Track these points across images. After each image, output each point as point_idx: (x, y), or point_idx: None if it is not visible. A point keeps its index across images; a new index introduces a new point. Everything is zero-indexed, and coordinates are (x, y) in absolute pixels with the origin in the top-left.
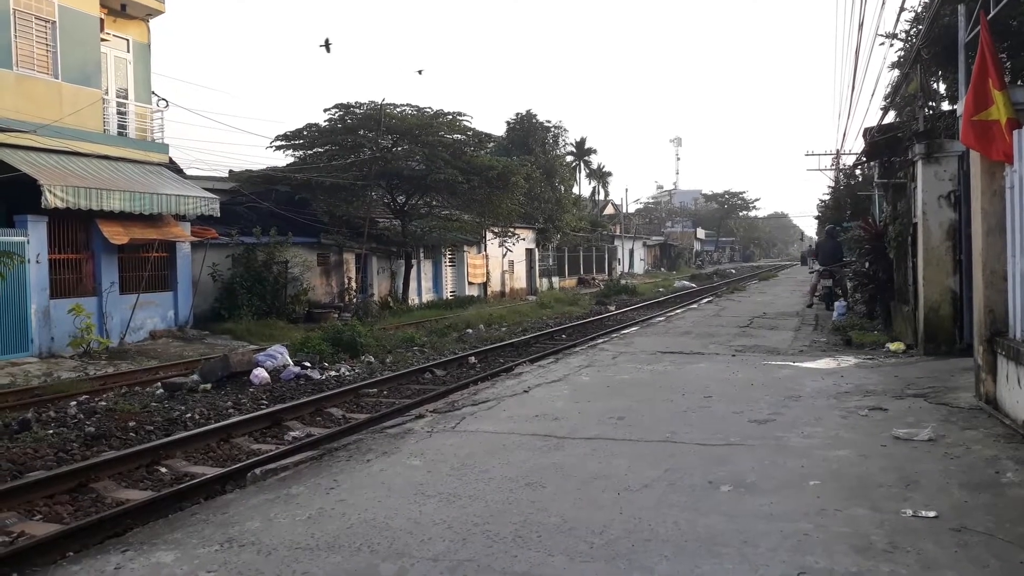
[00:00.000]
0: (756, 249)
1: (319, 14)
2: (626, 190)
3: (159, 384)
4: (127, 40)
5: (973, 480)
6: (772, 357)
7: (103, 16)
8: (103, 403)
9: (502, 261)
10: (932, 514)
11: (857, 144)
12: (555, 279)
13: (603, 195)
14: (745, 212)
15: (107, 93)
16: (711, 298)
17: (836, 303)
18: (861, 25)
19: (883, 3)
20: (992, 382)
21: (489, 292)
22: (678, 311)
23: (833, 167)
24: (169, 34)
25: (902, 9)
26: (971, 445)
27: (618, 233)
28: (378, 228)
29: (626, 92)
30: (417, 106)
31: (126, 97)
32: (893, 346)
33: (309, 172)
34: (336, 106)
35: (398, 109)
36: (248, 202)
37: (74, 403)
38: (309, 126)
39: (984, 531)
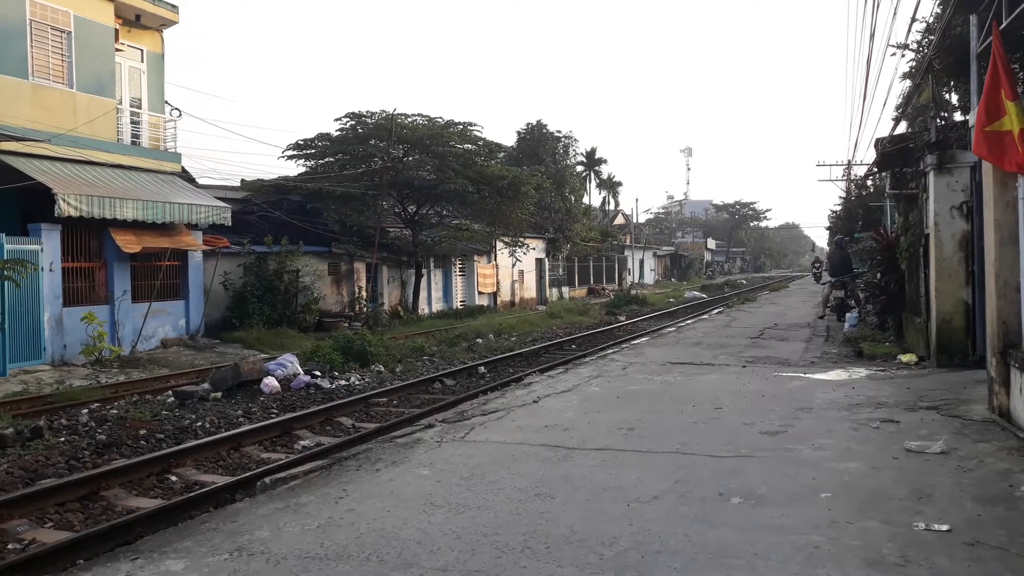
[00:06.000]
0: (767, 260)
1: (330, 23)
2: (636, 200)
3: (170, 392)
4: (141, 50)
5: (986, 494)
6: (783, 368)
7: (118, 26)
8: (114, 411)
9: (512, 271)
10: (945, 528)
11: (868, 155)
12: (565, 289)
13: (613, 205)
14: (756, 222)
15: (121, 103)
16: (721, 309)
17: (848, 314)
18: (872, 35)
19: (894, 14)
20: (1005, 395)
21: (499, 302)
22: (688, 322)
23: (844, 178)
24: (182, 44)
25: (913, 19)
26: (984, 458)
27: (628, 243)
28: (389, 237)
29: (637, 102)
30: (428, 116)
31: (140, 107)
32: (905, 358)
33: (320, 181)
34: (347, 115)
35: (409, 119)
36: (260, 211)
37: (86, 411)
38: (320, 136)
39: (998, 545)
